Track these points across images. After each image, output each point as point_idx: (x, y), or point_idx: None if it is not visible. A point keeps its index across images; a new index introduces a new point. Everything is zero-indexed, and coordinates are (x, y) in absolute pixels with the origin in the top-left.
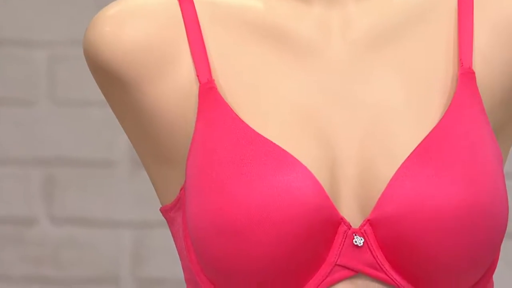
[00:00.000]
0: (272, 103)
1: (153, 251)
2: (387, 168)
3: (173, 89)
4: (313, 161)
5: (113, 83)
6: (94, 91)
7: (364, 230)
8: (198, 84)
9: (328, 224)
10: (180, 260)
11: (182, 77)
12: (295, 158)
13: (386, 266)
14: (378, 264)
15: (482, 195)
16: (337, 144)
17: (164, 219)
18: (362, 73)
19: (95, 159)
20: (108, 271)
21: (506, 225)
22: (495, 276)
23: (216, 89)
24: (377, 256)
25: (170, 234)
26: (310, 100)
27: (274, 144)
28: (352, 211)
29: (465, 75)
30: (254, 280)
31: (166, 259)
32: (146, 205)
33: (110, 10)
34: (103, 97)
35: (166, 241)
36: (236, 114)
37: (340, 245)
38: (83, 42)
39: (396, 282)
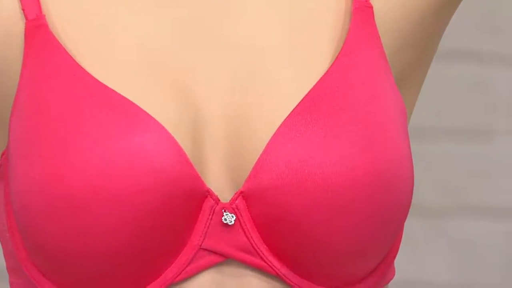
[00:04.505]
0: (119, 47)
1: None
2: (264, 128)
3: None
4: (170, 118)
5: None
6: None
7: (236, 205)
8: (25, 20)
9: (191, 198)
10: (1, 244)
11: (3, 11)
12: (148, 115)
13: (263, 249)
14: (253, 247)
15: (383, 162)
16: (201, 97)
17: None
18: (231, 5)
19: None
20: None
21: (410, 199)
22: (397, 261)
23: (47, 26)
24: (251, 237)
25: None
26: (166, 42)
27: (122, 97)
28: (221, 181)
29: (361, 9)
30: (94, 267)
31: None
32: None
33: None
34: None
35: None
36: (73, 59)
37: (205, 224)
38: None
39: (275, 269)
